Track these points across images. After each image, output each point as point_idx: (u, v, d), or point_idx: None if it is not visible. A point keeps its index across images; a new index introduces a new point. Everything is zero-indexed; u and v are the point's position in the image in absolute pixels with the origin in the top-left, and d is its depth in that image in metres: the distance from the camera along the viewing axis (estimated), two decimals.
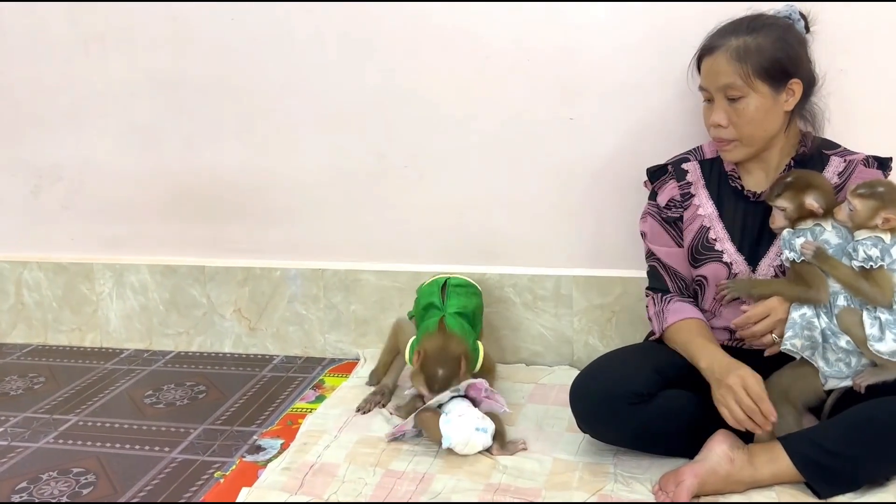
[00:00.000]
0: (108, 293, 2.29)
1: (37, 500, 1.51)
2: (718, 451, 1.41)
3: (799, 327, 1.42)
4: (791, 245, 1.44)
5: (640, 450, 1.54)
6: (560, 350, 2.05)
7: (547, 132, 1.95)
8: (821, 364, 1.42)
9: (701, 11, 1.68)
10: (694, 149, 1.66)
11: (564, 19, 1.88)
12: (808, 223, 1.44)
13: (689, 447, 1.47)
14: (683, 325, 1.57)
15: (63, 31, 2.15)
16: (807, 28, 1.56)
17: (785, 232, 1.46)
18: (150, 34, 2.10)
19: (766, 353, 1.48)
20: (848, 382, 1.42)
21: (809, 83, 1.51)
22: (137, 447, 1.71)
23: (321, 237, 2.15)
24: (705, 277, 1.59)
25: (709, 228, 1.58)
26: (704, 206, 1.60)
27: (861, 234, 1.40)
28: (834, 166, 1.54)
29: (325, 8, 1.98)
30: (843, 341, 1.39)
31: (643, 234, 1.69)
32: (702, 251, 1.58)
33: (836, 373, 1.42)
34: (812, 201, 1.42)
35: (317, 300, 2.16)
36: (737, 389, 1.38)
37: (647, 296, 1.69)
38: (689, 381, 1.51)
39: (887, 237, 1.38)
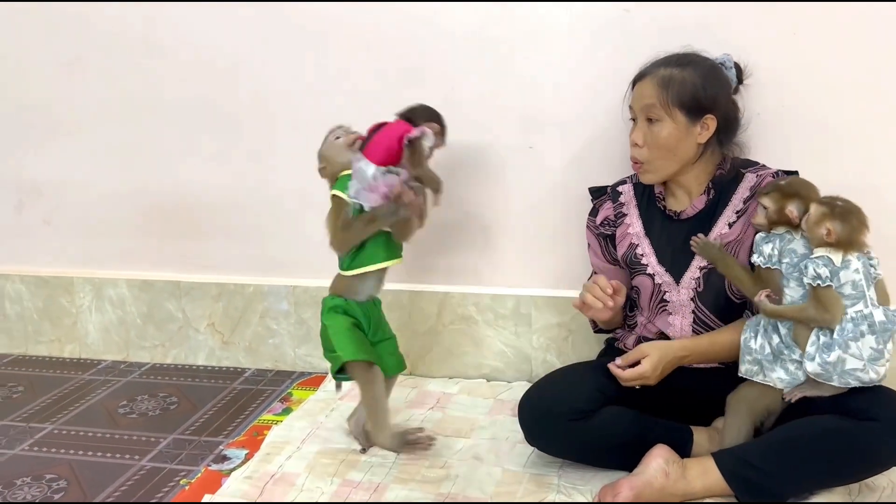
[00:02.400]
0: (88, 306, 2.37)
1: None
2: (654, 465, 1.49)
3: (742, 353, 1.54)
4: (759, 249, 1.52)
5: (583, 463, 1.63)
6: (520, 367, 2.14)
7: (508, 159, 2.04)
8: (775, 377, 1.49)
9: (650, 50, 1.79)
10: (634, 173, 1.77)
11: (528, 55, 1.97)
12: (781, 229, 1.51)
13: (629, 461, 1.55)
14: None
15: (44, 53, 2.24)
16: (739, 79, 1.68)
17: (757, 236, 1.54)
18: (127, 57, 2.19)
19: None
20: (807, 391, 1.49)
21: (727, 121, 1.62)
22: (109, 455, 1.79)
23: (293, 254, 2.23)
24: (638, 289, 1.72)
25: (637, 245, 1.71)
26: (634, 225, 1.73)
27: (816, 252, 1.45)
28: (747, 182, 1.64)
29: (299, 33, 2.08)
30: (797, 354, 1.47)
31: (588, 243, 1.84)
32: (631, 265, 1.72)
33: (795, 381, 1.49)
34: (792, 208, 1.47)
35: (288, 316, 2.25)
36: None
37: None
38: (629, 398, 1.61)
39: (837, 257, 1.43)
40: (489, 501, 1.54)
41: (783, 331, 1.49)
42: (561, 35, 1.95)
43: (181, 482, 1.66)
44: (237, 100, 2.16)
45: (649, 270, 1.68)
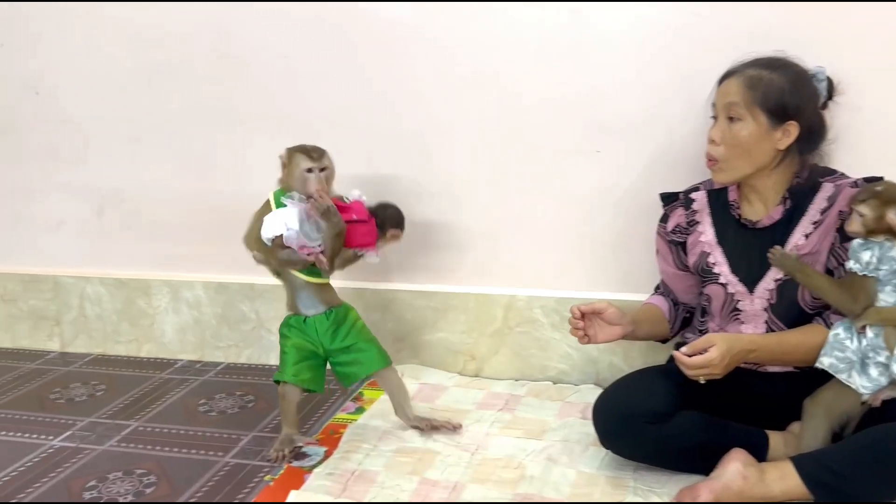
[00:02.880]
0: (165, 307, 2.47)
1: (104, 498, 1.66)
2: (732, 468, 1.51)
3: (830, 346, 1.52)
4: (857, 256, 1.49)
5: (657, 466, 1.65)
6: (585, 370, 2.17)
7: (574, 163, 2.07)
8: (860, 382, 1.49)
9: (717, 54, 1.81)
10: (707, 180, 1.77)
11: (591, 61, 2.00)
12: (880, 237, 1.47)
13: (703, 465, 1.57)
14: (642, 308, 1.84)
15: (127, 64, 2.34)
16: (829, 94, 1.65)
17: (854, 242, 1.51)
18: (204, 68, 2.28)
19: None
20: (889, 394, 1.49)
21: (810, 131, 1.60)
22: (193, 451, 1.87)
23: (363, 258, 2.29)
24: (709, 297, 1.72)
25: (709, 253, 1.71)
26: (706, 233, 1.72)
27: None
28: (825, 191, 1.62)
29: (372, 43, 2.14)
30: (883, 356, 1.47)
31: (657, 250, 1.85)
32: (703, 273, 1.72)
33: (877, 385, 1.49)
34: (892, 215, 1.44)
35: None
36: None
37: None
38: (704, 402, 1.63)
39: None
40: (571, 502, 1.57)
41: (870, 333, 1.49)
42: (628, 39, 1.97)
43: (265, 478, 1.72)
44: (309, 110, 2.22)
45: (722, 280, 1.69)
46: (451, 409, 2.02)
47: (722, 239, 1.71)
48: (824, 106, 1.66)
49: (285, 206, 1.77)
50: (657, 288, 1.89)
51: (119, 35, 2.33)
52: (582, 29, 1.99)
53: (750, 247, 1.67)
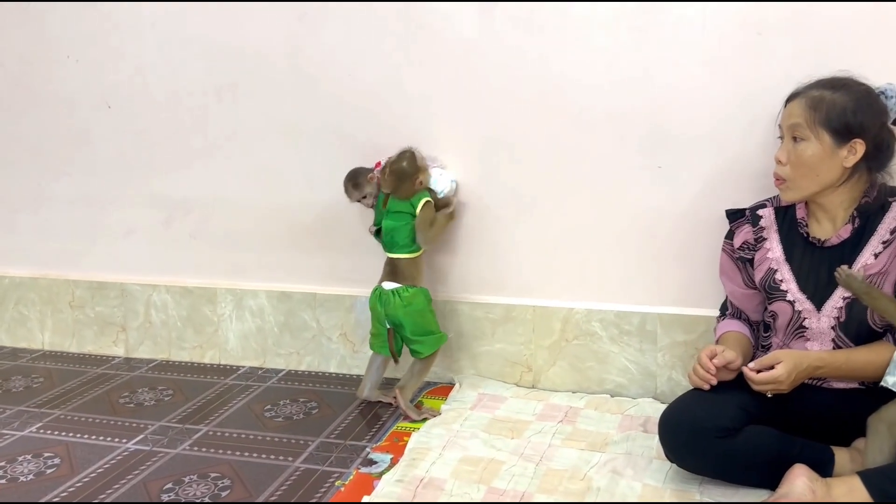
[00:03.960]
0: (229, 315, 2.54)
1: (182, 500, 1.72)
2: (800, 483, 1.52)
3: (895, 366, 1.53)
4: None
5: (722, 479, 1.67)
6: (644, 383, 2.19)
7: (635, 178, 2.10)
8: None
9: (781, 73, 1.83)
10: (773, 196, 1.80)
11: (655, 77, 2.04)
12: None
13: (769, 479, 1.58)
14: (725, 337, 1.81)
15: (200, 80, 2.42)
16: None
17: None
18: (275, 85, 2.35)
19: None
20: None
21: (877, 147, 1.62)
22: (264, 455, 1.92)
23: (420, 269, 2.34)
24: (775, 314, 1.73)
25: (776, 270, 1.73)
26: (774, 250, 1.74)
27: None
28: (895, 211, 1.64)
29: (432, 65, 2.20)
30: None
31: (721, 266, 1.87)
32: (770, 290, 1.73)
33: None
34: None
35: None
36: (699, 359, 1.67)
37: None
38: (771, 417, 1.64)
39: None
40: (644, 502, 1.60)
41: None
42: (693, 56, 2.00)
43: (336, 483, 1.77)
44: (372, 125, 2.28)
45: (789, 297, 1.70)
46: (511, 419, 2.06)
47: (790, 256, 1.72)
48: (895, 122, 1.67)
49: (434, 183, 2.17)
50: (724, 309, 1.89)
51: (192, 51, 2.41)
52: (648, 45, 2.02)
53: (818, 265, 1.68)
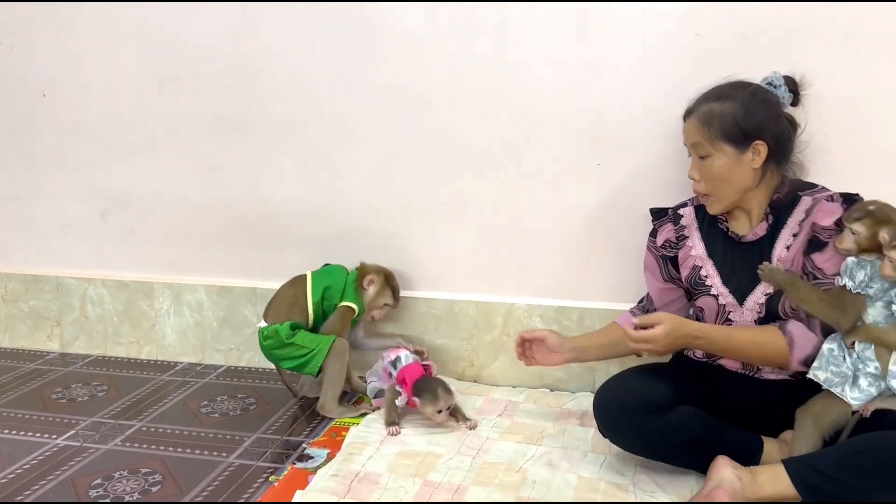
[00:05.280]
0: (167, 310, 2.49)
1: (111, 496, 1.68)
2: (726, 472, 1.54)
3: (825, 361, 1.57)
4: (851, 274, 1.53)
5: (655, 459, 1.70)
6: (583, 378, 2.21)
7: (575, 175, 2.12)
8: (850, 395, 1.53)
9: (720, 73, 1.87)
10: (695, 196, 1.81)
11: (595, 79, 2.06)
12: (872, 256, 1.51)
13: (698, 461, 1.62)
14: (603, 330, 1.96)
15: (140, 71, 2.37)
16: (794, 92, 1.73)
17: (849, 260, 1.55)
18: (217, 78, 2.31)
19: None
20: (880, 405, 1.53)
21: (778, 143, 1.66)
22: (198, 451, 1.89)
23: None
24: (702, 309, 1.77)
25: (700, 267, 1.76)
26: (696, 248, 1.78)
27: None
28: (803, 205, 1.67)
29: (376, 60, 2.18)
30: (872, 367, 1.52)
31: (644, 263, 1.91)
32: (695, 286, 1.77)
33: (868, 397, 1.53)
34: (885, 234, 1.48)
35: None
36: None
37: None
38: (702, 402, 1.68)
39: None
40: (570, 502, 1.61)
41: (859, 347, 1.54)
42: (633, 56, 2.02)
43: (270, 478, 1.75)
44: (317, 118, 2.26)
45: (713, 291, 1.73)
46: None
47: (712, 252, 1.76)
48: (795, 103, 1.73)
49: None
50: (640, 302, 1.94)
51: (130, 41, 2.37)
52: (589, 45, 2.04)
53: (739, 260, 1.72)
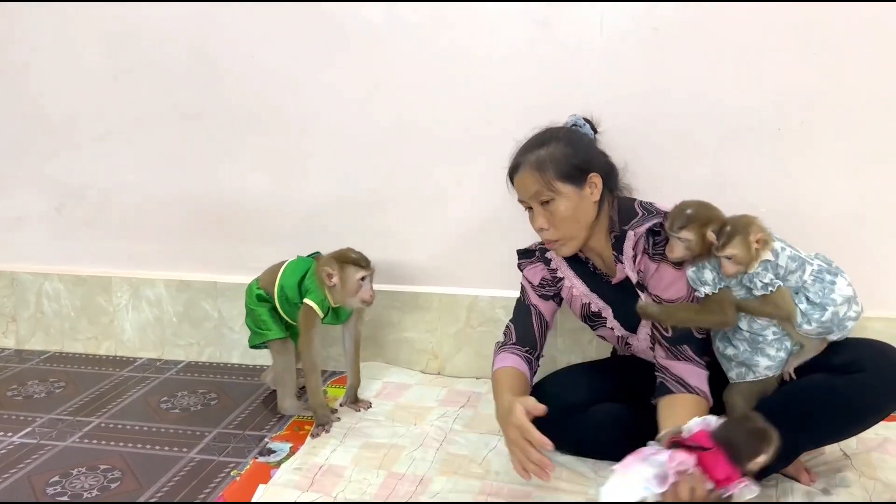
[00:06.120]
0: (125, 305, 2.45)
1: (69, 493, 1.65)
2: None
3: (726, 361, 1.62)
4: (702, 280, 1.55)
5: (583, 456, 1.73)
6: (546, 368, 2.16)
7: None
8: (765, 366, 1.57)
9: (677, 69, 1.89)
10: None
11: (556, 73, 2.06)
12: (703, 259, 1.54)
13: (622, 455, 1.61)
14: (498, 373, 1.72)
15: (97, 62, 2.32)
16: (594, 129, 1.75)
17: (689, 272, 1.57)
18: (175, 69, 2.28)
19: None
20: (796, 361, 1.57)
21: (607, 172, 1.67)
22: (158, 447, 1.86)
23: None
24: (604, 337, 1.83)
25: (589, 303, 1.76)
26: (576, 286, 1.76)
27: (754, 267, 1.50)
28: (630, 241, 1.65)
29: (337, 51, 2.17)
30: (770, 332, 1.56)
31: (522, 286, 1.83)
32: (591, 320, 1.78)
33: (781, 361, 1.57)
34: (711, 235, 1.51)
35: None
36: (517, 440, 1.47)
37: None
38: (626, 396, 1.72)
39: (770, 255, 1.49)
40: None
41: (744, 322, 1.57)
42: (593, 51, 2.04)
43: (231, 473, 1.73)
44: (279, 109, 2.24)
45: (609, 324, 1.75)
46: (415, 406, 2.06)
47: (594, 288, 1.75)
48: (594, 141, 1.74)
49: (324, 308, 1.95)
50: (505, 335, 1.82)
51: (86, 31, 2.31)
52: (549, 39, 2.05)
53: (617, 294, 1.72)
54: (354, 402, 2.06)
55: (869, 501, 1.53)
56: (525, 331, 1.80)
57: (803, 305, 1.53)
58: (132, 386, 2.25)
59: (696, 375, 1.61)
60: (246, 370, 2.36)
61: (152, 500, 1.63)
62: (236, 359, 2.42)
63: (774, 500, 1.55)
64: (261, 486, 1.65)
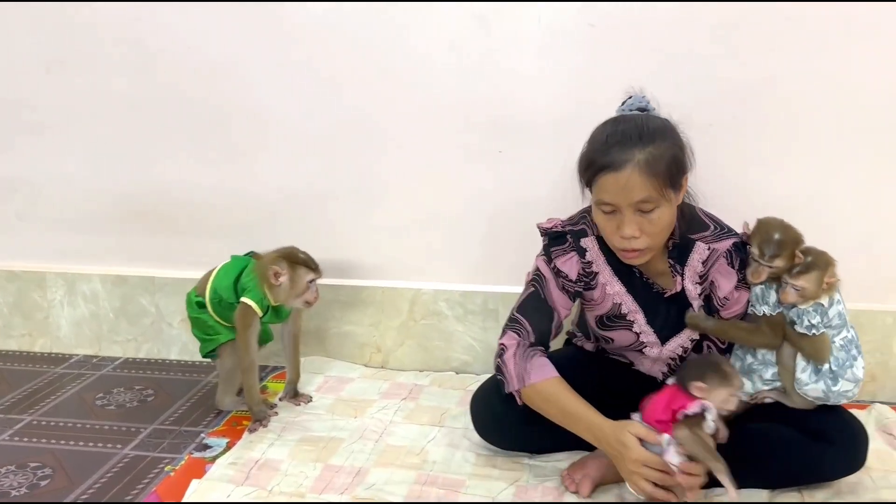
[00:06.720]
0: (60, 301, 2.39)
1: None
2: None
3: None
4: (766, 300, 1.52)
5: (536, 454, 1.73)
6: (487, 360, 2.22)
7: (478, 162, 2.14)
8: (745, 390, 1.57)
9: (613, 64, 1.93)
10: (585, 217, 1.63)
11: (496, 67, 2.07)
12: (774, 283, 1.51)
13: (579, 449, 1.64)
14: (553, 386, 1.55)
15: (27, 52, 2.25)
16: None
17: (756, 289, 1.53)
18: (109, 59, 2.22)
19: None
20: (768, 400, 1.58)
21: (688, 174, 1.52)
22: (91, 444, 1.83)
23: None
24: (612, 339, 1.68)
25: (620, 304, 1.62)
26: (612, 285, 1.61)
27: (809, 304, 1.48)
28: (698, 253, 1.56)
29: (281, 34, 2.13)
30: (769, 374, 1.56)
31: (540, 275, 1.65)
32: (613, 320, 1.65)
33: (759, 390, 1.58)
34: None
35: None
36: (641, 471, 1.41)
37: (507, 329, 1.63)
38: (585, 388, 1.61)
39: (826, 300, 1.47)
40: None
41: (760, 352, 1.57)
42: (532, 45, 2.04)
43: (166, 468, 1.71)
44: (218, 100, 2.20)
45: (636, 329, 1.63)
46: (356, 399, 2.05)
47: (631, 289, 1.62)
48: None
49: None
50: (514, 324, 1.64)
51: (15, 19, 2.24)
52: (490, 33, 2.05)
53: (660, 304, 1.62)
54: (294, 396, 2.04)
55: (869, 501, 1.55)
56: (541, 334, 1.62)
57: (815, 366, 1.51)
58: (67, 383, 2.20)
59: None
60: (185, 366, 2.33)
61: (82, 498, 1.60)
62: (175, 355, 2.39)
63: (766, 500, 1.56)
64: (194, 481, 1.62)
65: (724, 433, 1.45)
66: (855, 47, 1.90)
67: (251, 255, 1.99)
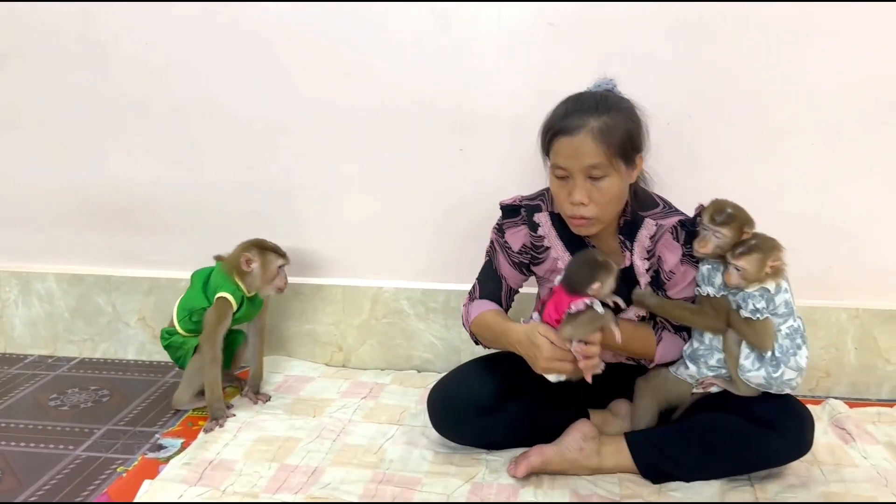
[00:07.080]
0: (14, 300, 2.35)
1: None
2: (571, 437, 1.62)
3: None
4: (711, 281, 1.54)
5: (493, 450, 1.73)
6: (449, 358, 2.23)
7: (439, 160, 2.13)
8: (689, 373, 1.60)
9: (572, 62, 1.93)
10: (543, 194, 1.69)
11: (457, 64, 2.06)
12: (719, 261, 1.53)
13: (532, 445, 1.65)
14: (486, 316, 1.68)
15: None
16: None
17: (703, 268, 1.56)
18: (65, 55, 2.18)
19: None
20: (714, 389, 1.60)
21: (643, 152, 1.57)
22: (42, 445, 1.79)
23: (225, 250, 2.26)
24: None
25: None
26: (563, 259, 1.65)
27: (752, 287, 1.50)
28: (647, 229, 1.60)
29: (237, 31, 2.11)
30: (714, 360, 1.58)
31: (493, 246, 1.74)
32: None
33: (703, 376, 1.60)
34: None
35: None
36: (553, 366, 1.51)
37: (469, 294, 1.78)
38: (531, 389, 1.65)
39: (772, 286, 1.49)
40: None
41: (707, 337, 1.59)
42: (492, 43, 2.04)
43: (118, 469, 1.68)
44: (172, 97, 2.17)
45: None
46: (315, 398, 2.04)
47: None
48: None
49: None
50: (472, 295, 1.78)
51: None
52: (450, 31, 2.04)
53: None
54: (256, 392, 2.02)
55: (869, 501, 1.56)
56: (495, 300, 1.73)
57: (758, 353, 1.53)
58: (21, 384, 2.15)
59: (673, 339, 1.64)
60: (142, 366, 2.29)
61: (31, 500, 1.56)
62: (132, 355, 2.35)
63: (754, 500, 1.56)
64: (147, 482, 1.60)
65: (621, 304, 1.55)
66: (813, 46, 1.92)
67: (217, 258, 2.01)
